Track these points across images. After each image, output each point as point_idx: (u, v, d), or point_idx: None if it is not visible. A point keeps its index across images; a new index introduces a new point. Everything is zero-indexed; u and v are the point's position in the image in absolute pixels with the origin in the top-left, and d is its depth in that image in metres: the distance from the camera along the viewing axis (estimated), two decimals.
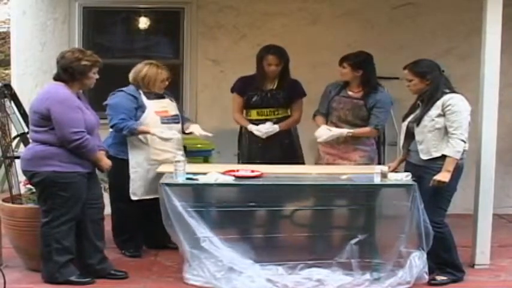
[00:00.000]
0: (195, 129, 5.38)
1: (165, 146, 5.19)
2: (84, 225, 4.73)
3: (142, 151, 5.22)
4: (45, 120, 4.53)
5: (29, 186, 5.14)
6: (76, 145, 4.51)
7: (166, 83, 5.35)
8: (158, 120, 5.24)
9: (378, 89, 5.37)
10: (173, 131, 5.20)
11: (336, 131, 5.21)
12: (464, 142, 4.62)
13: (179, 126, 5.38)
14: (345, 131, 5.21)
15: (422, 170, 4.71)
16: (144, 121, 5.20)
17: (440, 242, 4.70)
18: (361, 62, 5.28)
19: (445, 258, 4.79)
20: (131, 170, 5.22)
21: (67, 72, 4.61)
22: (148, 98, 5.29)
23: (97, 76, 4.72)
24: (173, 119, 5.34)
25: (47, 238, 4.60)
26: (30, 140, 4.73)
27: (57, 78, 4.67)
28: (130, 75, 5.33)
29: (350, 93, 5.36)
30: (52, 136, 4.54)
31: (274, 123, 5.53)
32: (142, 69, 5.31)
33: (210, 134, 5.36)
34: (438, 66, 4.81)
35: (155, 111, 5.26)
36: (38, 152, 4.58)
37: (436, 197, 4.68)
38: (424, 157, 4.72)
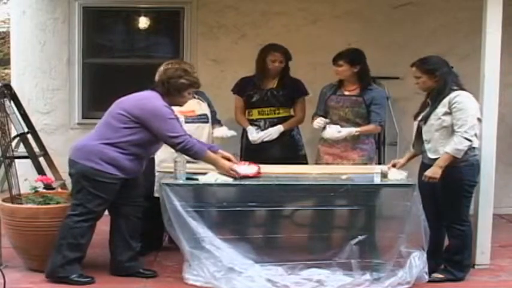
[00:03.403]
0: (220, 133, 5.44)
1: None
2: (119, 222, 4.82)
3: (167, 149, 5.24)
4: (128, 119, 4.60)
5: (34, 184, 5.17)
6: (180, 148, 4.63)
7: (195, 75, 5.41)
8: (182, 119, 5.27)
9: (372, 85, 5.40)
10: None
11: (345, 131, 5.21)
12: (469, 140, 4.60)
13: (206, 125, 5.41)
14: (353, 129, 5.23)
15: None
16: None
17: (462, 239, 4.76)
18: (357, 57, 5.32)
19: (455, 258, 4.80)
20: (156, 168, 5.28)
21: (164, 86, 4.72)
22: None
23: (191, 97, 4.88)
24: (199, 119, 5.37)
25: (65, 231, 4.65)
26: (93, 132, 4.78)
27: (154, 88, 4.77)
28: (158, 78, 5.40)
29: (346, 92, 5.37)
30: (115, 134, 4.60)
31: (276, 122, 5.55)
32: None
33: (235, 133, 5.46)
34: (446, 63, 4.80)
35: (179, 110, 5.27)
36: (87, 146, 4.67)
37: (456, 196, 4.70)
38: (432, 156, 4.71)
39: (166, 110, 4.65)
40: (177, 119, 4.74)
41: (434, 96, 4.75)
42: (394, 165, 4.90)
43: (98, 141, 4.64)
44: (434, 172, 4.62)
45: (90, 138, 4.71)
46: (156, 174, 5.28)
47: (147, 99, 4.69)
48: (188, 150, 4.66)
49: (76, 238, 4.66)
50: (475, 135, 4.67)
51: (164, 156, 5.24)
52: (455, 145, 4.60)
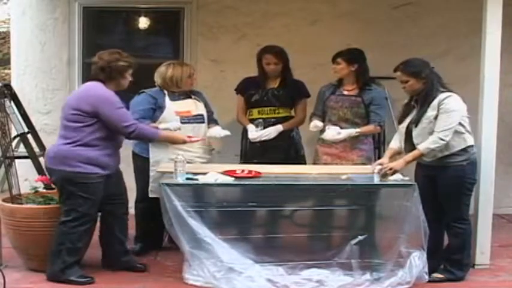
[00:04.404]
0: (214, 132, 5.45)
1: (185, 145, 5.18)
2: (109, 220, 4.86)
3: (163, 150, 5.24)
4: (84, 116, 4.61)
5: (34, 184, 5.18)
6: (134, 135, 4.72)
7: (194, 77, 5.45)
8: (178, 119, 5.28)
9: (371, 85, 5.40)
10: (177, 123, 5.22)
11: (345, 133, 5.21)
12: (443, 141, 4.59)
13: (203, 125, 5.42)
14: (353, 131, 5.23)
15: (438, 171, 4.70)
16: (163, 120, 5.26)
17: (462, 238, 4.77)
18: (355, 56, 5.34)
19: (455, 257, 4.81)
20: (151, 168, 5.29)
21: (105, 71, 4.72)
22: (173, 98, 5.36)
23: (131, 78, 4.86)
24: (195, 119, 5.38)
25: (62, 237, 4.66)
26: (58, 137, 4.78)
27: (94, 78, 4.77)
28: (158, 79, 5.42)
29: (345, 92, 5.38)
30: (80, 134, 4.61)
31: (275, 122, 5.55)
32: (167, 71, 5.40)
33: (228, 133, 5.44)
34: (428, 64, 4.78)
35: (176, 111, 5.31)
36: (61, 151, 4.66)
37: (458, 194, 4.71)
38: (427, 159, 4.70)
39: (115, 99, 4.68)
40: (124, 106, 4.79)
41: (423, 99, 4.72)
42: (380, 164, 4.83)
43: (70, 145, 4.63)
44: (397, 164, 4.65)
45: (60, 143, 4.70)
46: (151, 174, 5.28)
47: (93, 92, 4.69)
48: (143, 136, 4.80)
49: (74, 243, 4.67)
50: (468, 131, 4.70)
51: (159, 157, 5.25)
52: (429, 144, 4.61)
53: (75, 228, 4.65)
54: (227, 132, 5.43)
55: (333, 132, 5.23)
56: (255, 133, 5.53)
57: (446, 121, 4.60)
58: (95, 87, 4.72)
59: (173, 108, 5.32)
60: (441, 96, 4.65)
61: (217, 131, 5.45)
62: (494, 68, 5.06)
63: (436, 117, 4.63)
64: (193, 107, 5.42)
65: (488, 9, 5.02)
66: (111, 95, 4.69)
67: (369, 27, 6.78)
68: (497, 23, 5.02)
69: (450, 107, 4.62)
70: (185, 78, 5.37)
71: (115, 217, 4.87)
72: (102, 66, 4.73)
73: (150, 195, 5.28)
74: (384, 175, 4.65)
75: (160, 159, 5.24)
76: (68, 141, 4.63)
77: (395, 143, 4.96)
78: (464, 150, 4.69)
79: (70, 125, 4.65)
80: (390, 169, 4.64)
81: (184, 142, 5.03)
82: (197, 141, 5.19)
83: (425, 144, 4.62)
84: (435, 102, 4.65)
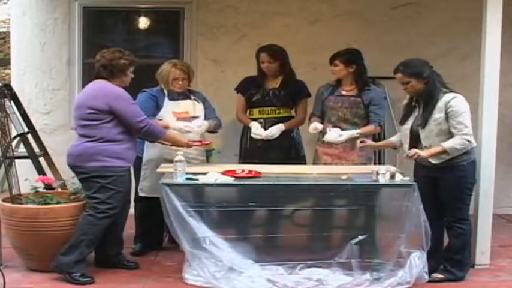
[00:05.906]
0: (195, 125, 5.35)
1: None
2: (113, 219, 4.86)
3: (156, 149, 5.26)
4: (101, 114, 4.69)
5: (34, 184, 5.17)
6: (144, 131, 4.80)
7: (180, 82, 5.37)
8: (174, 120, 5.28)
9: (370, 85, 5.40)
10: (182, 123, 5.21)
11: (346, 134, 5.21)
12: (469, 142, 4.62)
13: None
14: (353, 132, 5.23)
15: (439, 171, 4.70)
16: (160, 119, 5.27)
17: (462, 238, 4.78)
18: (353, 57, 5.33)
19: (455, 257, 4.81)
20: (142, 167, 5.32)
21: (107, 69, 4.80)
22: (172, 98, 5.37)
23: (132, 75, 4.93)
24: (191, 120, 5.35)
25: (87, 227, 4.72)
26: (77, 136, 4.84)
27: (97, 76, 4.85)
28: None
29: (343, 92, 5.38)
30: (102, 131, 4.70)
31: (276, 122, 5.54)
32: (161, 67, 5.43)
33: (207, 123, 5.34)
34: (427, 63, 4.78)
35: (173, 111, 5.32)
36: (88, 148, 4.73)
37: (459, 194, 4.72)
38: (434, 161, 4.69)
39: (127, 95, 4.78)
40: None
41: (426, 100, 4.71)
42: (362, 141, 5.02)
43: (95, 142, 4.71)
44: (423, 152, 4.63)
45: (84, 141, 4.76)
46: (142, 174, 5.29)
47: (105, 90, 4.76)
48: (151, 132, 4.85)
49: (96, 235, 4.74)
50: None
51: (152, 156, 5.26)
52: (455, 144, 4.60)
53: (101, 220, 4.71)
54: (206, 123, 5.33)
55: (334, 135, 5.23)
56: (261, 130, 5.48)
57: (464, 123, 4.61)
58: (105, 85, 4.79)
59: (171, 108, 5.31)
60: (446, 97, 4.64)
61: (197, 123, 5.30)
62: (494, 68, 5.06)
63: (444, 119, 4.63)
64: (192, 108, 5.41)
65: (488, 9, 5.02)
66: (123, 91, 4.78)
67: (369, 27, 6.79)
68: (497, 23, 5.02)
69: (460, 109, 4.61)
70: (170, 80, 5.35)
71: (120, 215, 4.90)
72: (104, 64, 4.80)
73: (140, 194, 5.30)
74: (410, 157, 4.67)
75: (152, 159, 5.26)
76: (93, 139, 4.72)
77: (395, 138, 5.06)
78: (468, 150, 4.70)
79: (89, 124, 4.73)
80: (415, 153, 4.62)
81: (188, 146, 5.07)
82: (202, 145, 5.20)
83: (450, 143, 4.61)
84: (441, 103, 4.64)
